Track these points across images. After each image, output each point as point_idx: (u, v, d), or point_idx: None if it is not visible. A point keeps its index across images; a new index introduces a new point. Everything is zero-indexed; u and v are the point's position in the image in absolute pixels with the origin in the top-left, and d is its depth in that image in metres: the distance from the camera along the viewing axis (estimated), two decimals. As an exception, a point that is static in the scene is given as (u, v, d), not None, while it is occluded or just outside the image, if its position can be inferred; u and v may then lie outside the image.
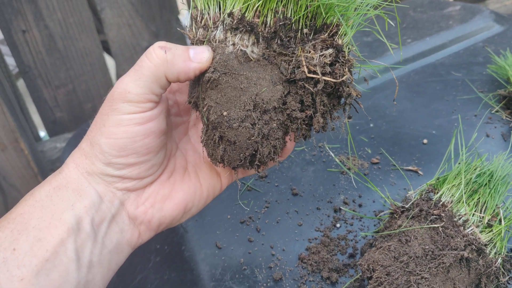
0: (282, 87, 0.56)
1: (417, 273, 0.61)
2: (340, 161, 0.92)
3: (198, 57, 0.53)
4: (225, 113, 0.53)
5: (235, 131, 0.54)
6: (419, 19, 1.39)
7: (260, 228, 0.80)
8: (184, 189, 0.60)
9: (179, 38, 1.81)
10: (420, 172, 0.88)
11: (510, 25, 1.33)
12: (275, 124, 0.56)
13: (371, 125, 1.02)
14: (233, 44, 0.54)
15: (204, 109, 0.55)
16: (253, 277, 0.72)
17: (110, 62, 1.84)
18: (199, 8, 0.55)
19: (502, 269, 0.69)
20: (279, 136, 0.58)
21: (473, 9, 1.39)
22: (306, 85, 0.55)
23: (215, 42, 0.54)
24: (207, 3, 0.54)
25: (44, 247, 0.47)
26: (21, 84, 1.71)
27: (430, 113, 1.05)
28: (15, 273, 0.46)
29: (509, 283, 0.68)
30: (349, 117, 0.60)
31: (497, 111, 1.03)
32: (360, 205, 0.83)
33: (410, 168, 0.89)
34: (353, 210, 0.82)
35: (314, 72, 0.54)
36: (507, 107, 1.03)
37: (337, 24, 0.55)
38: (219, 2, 0.54)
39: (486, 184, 0.71)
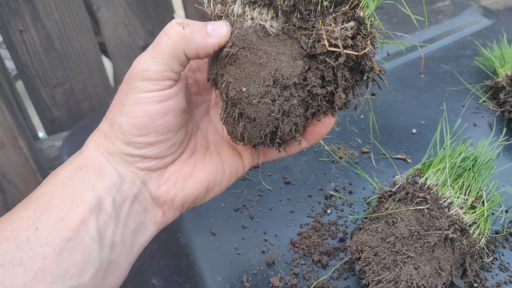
0: (302, 62, 0.54)
1: (403, 252, 0.64)
2: (331, 150, 0.95)
3: (217, 31, 0.52)
4: (244, 89, 0.52)
5: (255, 107, 0.52)
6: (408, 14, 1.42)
7: (253, 215, 0.82)
8: (206, 168, 0.60)
9: (174, 36, 1.83)
10: (408, 160, 0.91)
11: (498, 19, 1.36)
12: (295, 101, 0.55)
13: (362, 116, 1.05)
14: (252, 19, 0.53)
15: (223, 85, 0.54)
16: (246, 261, 0.75)
17: (107, 62, 1.86)
18: None
19: (487, 250, 0.71)
20: (300, 113, 0.56)
21: (462, 4, 1.42)
22: (327, 59, 0.53)
23: (233, 16, 0.53)
24: None
25: (66, 226, 0.48)
26: (20, 86, 1.74)
27: (419, 104, 1.07)
28: (37, 251, 0.46)
29: (493, 263, 0.71)
30: (373, 94, 0.59)
31: (484, 101, 1.06)
32: (350, 192, 0.85)
33: (399, 156, 0.92)
34: (344, 196, 0.84)
35: (335, 46, 0.52)
36: (494, 97, 1.06)
37: None
38: None
39: (470, 168, 0.74)
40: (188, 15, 1.80)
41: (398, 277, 0.62)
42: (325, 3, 0.52)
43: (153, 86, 0.52)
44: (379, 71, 0.56)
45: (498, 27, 1.33)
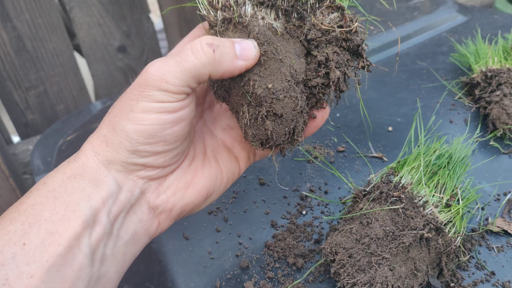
0: (304, 60, 0.57)
1: (378, 253, 0.63)
2: (307, 150, 0.94)
3: (245, 54, 0.51)
4: (270, 86, 0.52)
5: (282, 102, 0.53)
6: (385, 11, 1.41)
7: (227, 218, 0.81)
8: (205, 175, 0.59)
9: (150, 36, 1.81)
10: (384, 158, 0.90)
11: (473, 15, 1.36)
12: (305, 96, 0.57)
13: (338, 114, 1.04)
14: (263, 18, 0.55)
15: (250, 85, 0.53)
16: (220, 265, 0.73)
17: (83, 63, 1.83)
18: None
19: (463, 248, 0.70)
20: (307, 110, 0.58)
21: (437, 1, 1.42)
22: (321, 39, 0.56)
23: (247, 17, 0.54)
24: None
25: (56, 241, 0.44)
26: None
27: (395, 102, 1.06)
28: (24, 269, 0.43)
29: (469, 262, 0.70)
30: (367, 66, 0.61)
31: (460, 98, 1.05)
32: (326, 192, 0.84)
33: (375, 155, 0.91)
34: (319, 197, 0.83)
35: (329, 26, 0.56)
36: (469, 93, 1.05)
37: None
38: None
39: (445, 166, 0.73)
40: (164, 16, 1.78)
41: (373, 279, 0.61)
42: (311, 0, 0.57)
43: (167, 98, 0.49)
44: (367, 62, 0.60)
45: (473, 23, 1.33)
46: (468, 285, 0.66)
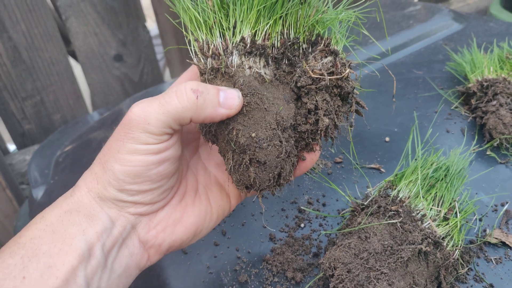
0: (294, 105, 0.58)
1: (377, 268, 0.63)
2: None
3: (228, 103, 0.53)
4: (253, 134, 0.54)
5: (265, 150, 0.54)
6: (381, 19, 1.42)
7: (225, 232, 0.81)
8: (195, 213, 0.60)
9: (147, 45, 1.81)
10: (382, 169, 0.90)
11: (468, 23, 1.37)
12: (292, 141, 0.58)
13: (335, 125, 1.04)
14: (250, 68, 0.56)
15: (233, 134, 0.55)
16: (218, 280, 0.73)
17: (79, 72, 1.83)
18: (201, 39, 0.57)
19: (461, 261, 0.70)
20: (295, 153, 0.59)
21: (433, 9, 1.43)
22: (311, 86, 0.57)
23: (233, 67, 0.55)
24: (210, 33, 0.56)
25: (54, 274, 0.46)
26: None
27: (392, 111, 1.07)
28: None
29: (468, 274, 0.70)
30: (351, 125, 0.63)
31: (456, 107, 1.06)
32: (324, 205, 0.84)
33: (372, 166, 0.91)
34: (317, 210, 0.83)
35: (320, 74, 0.57)
36: (466, 102, 1.06)
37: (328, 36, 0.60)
38: (222, 32, 0.56)
39: (442, 178, 0.73)
40: (159, 23, 1.78)
41: (372, 294, 0.61)
42: (304, 45, 0.58)
43: (151, 140, 0.51)
44: (359, 104, 0.61)
45: (469, 31, 1.34)
46: (467, 299, 0.66)
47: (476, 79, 1.03)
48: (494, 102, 0.94)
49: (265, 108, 0.54)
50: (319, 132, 0.58)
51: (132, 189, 0.53)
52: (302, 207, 0.83)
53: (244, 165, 0.55)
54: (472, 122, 1.00)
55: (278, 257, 0.74)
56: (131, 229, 0.55)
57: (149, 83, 1.88)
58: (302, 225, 0.80)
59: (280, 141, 0.55)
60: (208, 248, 0.78)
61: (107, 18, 1.68)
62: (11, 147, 1.82)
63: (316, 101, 0.57)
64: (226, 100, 0.53)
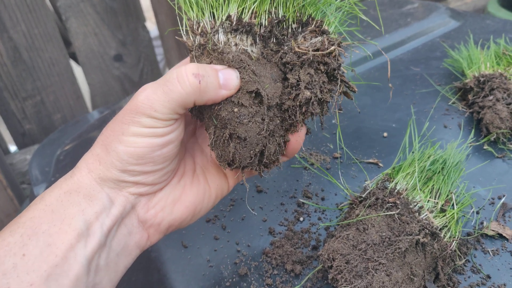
0: (281, 85, 0.58)
1: (375, 259, 0.63)
2: (303, 157, 0.94)
3: (228, 84, 0.54)
4: (235, 109, 0.54)
5: (245, 126, 0.54)
6: (379, 17, 1.43)
7: (225, 226, 0.81)
8: (193, 192, 0.61)
9: (146, 45, 1.82)
10: (380, 164, 0.91)
11: (465, 20, 1.38)
12: (278, 121, 0.58)
13: (333, 121, 1.05)
14: (236, 45, 0.56)
15: (215, 108, 0.55)
16: (218, 273, 0.73)
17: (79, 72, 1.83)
18: (193, 18, 0.57)
19: (459, 252, 0.71)
20: (282, 134, 0.59)
21: (430, 6, 1.44)
22: (295, 62, 0.57)
23: (221, 44, 0.56)
24: (202, 12, 0.57)
25: (53, 252, 0.47)
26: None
27: (390, 108, 1.08)
28: (24, 278, 0.46)
29: (465, 265, 0.71)
30: (350, 91, 0.62)
31: (453, 103, 1.06)
32: (322, 199, 0.85)
33: (370, 160, 0.92)
34: (316, 204, 0.84)
35: (304, 49, 0.57)
36: (463, 98, 1.07)
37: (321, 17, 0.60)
38: (212, 12, 0.56)
39: (439, 171, 0.74)
40: (159, 23, 1.79)
41: (370, 284, 0.61)
42: (293, 25, 0.58)
43: (156, 124, 0.52)
44: (348, 86, 0.61)
45: (466, 28, 1.35)
46: (464, 289, 0.67)
47: (473, 74, 1.04)
48: (490, 97, 0.95)
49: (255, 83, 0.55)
50: (300, 106, 0.58)
51: (135, 170, 0.54)
52: (301, 200, 0.84)
53: (225, 140, 0.56)
54: (469, 117, 1.01)
55: (277, 250, 0.75)
56: (131, 209, 0.56)
57: (148, 83, 1.89)
58: (301, 218, 0.81)
59: (263, 119, 0.55)
60: (208, 242, 0.79)
61: (107, 19, 1.69)
62: (12, 148, 1.83)
63: (299, 75, 0.57)
64: (226, 81, 0.54)
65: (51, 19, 1.57)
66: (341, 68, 0.59)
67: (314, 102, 0.58)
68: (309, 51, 0.57)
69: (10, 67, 1.55)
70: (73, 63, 1.82)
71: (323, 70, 0.58)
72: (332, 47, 0.57)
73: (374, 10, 1.48)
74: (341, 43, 0.59)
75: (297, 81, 0.57)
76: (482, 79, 1.00)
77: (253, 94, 0.55)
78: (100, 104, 1.83)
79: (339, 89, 0.60)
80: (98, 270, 0.51)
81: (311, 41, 0.58)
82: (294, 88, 0.58)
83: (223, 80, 0.54)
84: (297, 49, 0.57)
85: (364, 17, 0.62)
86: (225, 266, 0.74)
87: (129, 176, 0.54)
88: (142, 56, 1.83)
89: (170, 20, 1.77)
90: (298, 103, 0.57)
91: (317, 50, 0.57)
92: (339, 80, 0.59)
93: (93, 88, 1.79)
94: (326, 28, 0.59)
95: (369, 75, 1.20)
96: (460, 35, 1.32)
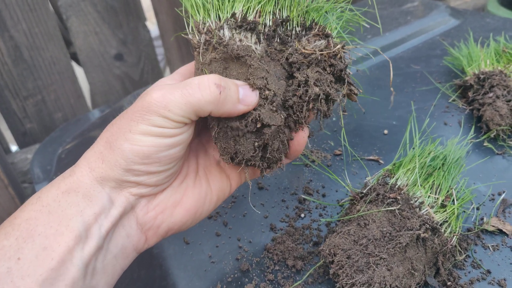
0: (284, 82, 0.58)
1: (376, 254, 0.64)
2: (304, 154, 0.95)
3: (247, 100, 0.54)
4: None
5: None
6: (379, 15, 1.43)
7: (227, 222, 0.82)
8: (195, 195, 0.60)
9: (147, 44, 1.82)
10: (381, 161, 0.91)
11: (465, 18, 1.39)
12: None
13: (334, 118, 1.05)
14: (240, 41, 0.56)
15: None
16: (221, 269, 0.74)
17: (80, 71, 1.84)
18: (199, 19, 0.58)
19: (459, 248, 0.72)
20: (285, 132, 0.59)
21: (430, 5, 1.44)
22: (302, 61, 0.58)
23: (225, 38, 0.56)
24: (207, 14, 0.58)
25: (49, 255, 0.46)
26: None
27: (390, 105, 1.08)
28: (19, 283, 0.44)
29: (465, 261, 0.71)
30: (353, 94, 0.62)
31: (453, 100, 1.07)
32: (323, 195, 0.85)
33: (371, 157, 0.92)
34: (317, 200, 0.84)
35: (311, 50, 0.58)
36: (463, 95, 1.07)
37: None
38: (218, 14, 0.57)
39: (440, 167, 0.74)
40: (160, 23, 1.79)
41: (372, 279, 0.62)
42: (297, 28, 0.60)
43: (168, 124, 0.51)
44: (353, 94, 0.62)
45: (466, 26, 1.35)
46: (465, 284, 0.67)
47: (473, 72, 1.04)
48: (490, 94, 0.96)
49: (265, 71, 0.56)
50: (308, 102, 0.58)
51: (139, 170, 0.52)
52: (303, 196, 0.84)
53: (227, 132, 0.56)
54: (469, 115, 1.02)
55: (279, 246, 0.75)
56: (130, 210, 0.54)
57: (149, 82, 1.89)
58: (302, 215, 0.82)
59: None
60: (210, 239, 0.79)
61: (107, 18, 1.69)
62: (13, 148, 1.83)
63: (307, 73, 0.58)
64: (245, 97, 0.54)
65: (52, 18, 1.57)
66: (347, 69, 0.60)
67: (322, 99, 0.59)
68: (315, 51, 0.58)
69: (11, 66, 1.55)
70: (73, 63, 1.83)
71: (329, 71, 0.59)
72: (338, 47, 0.58)
73: (375, 9, 1.49)
74: (345, 46, 0.60)
75: (306, 78, 0.58)
76: (482, 77, 1.00)
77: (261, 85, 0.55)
78: (100, 103, 1.83)
79: (344, 90, 0.61)
80: (95, 273, 0.49)
81: (315, 43, 0.59)
82: (302, 85, 0.58)
83: (243, 95, 0.54)
84: (303, 50, 0.58)
85: (365, 24, 0.63)
86: (227, 262, 0.75)
87: (133, 176, 0.52)
88: (142, 55, 1.83)
89: (170, 20, 1.77)
90: (307, 99, 0.58)
91: (323, 51, 0.58)
92: (346, 81, 0.60)
93: (94, 87, 1.79)
94: (329, 32, 0.60)
95: (370, 73, 1.20)
96: (460, 33, 1.32)
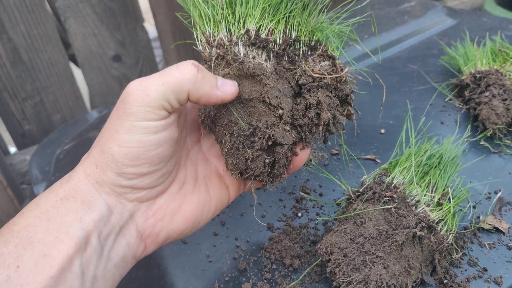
0: (291, 100, 0.60)
1: (372, 252, 0.64)
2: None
3: (225, 88, 0.54)
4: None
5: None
6: (376, 15, 1.44)
7: (224, 222, 0.82)
8: (194, 202, 0.60)
9: (145, 45, 1.82)
10: (377, 160, 0.92)
11: (462, 18, 1.39)
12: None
13: (331, 118, 1.05)
14: (253, 58, 0.58)
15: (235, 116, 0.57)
16: (218, 268, 0.74)
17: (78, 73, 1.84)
18: (208, 32, 0.60)
19: (455, 246, 0.72)
20: (292, 149, 0.61)
21: (427, 5, 1.44)
22: (312, 84, 0.60)
23: (241, 55, 0.58)
24: (217, 28, 0.59)
25: (49, 263, 0.45)
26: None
27: (387, 105, 1.08)
28: None
29: (462, 259, 0.71)
30: (351, 115, 0.65)
31: (450, 100, 1.07)
32: (320, 194, 0.86)
33: (368, 157, 0.93)
34: (314, 199, 0.84)
35: (320, 74, 0.60)
36: (459, 95, 1.07)
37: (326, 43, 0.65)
38: (228, 27, 0.59)
39: (436, 166, 0.75)
40: (158, 24, 1.80)
41: (368, 277, 0.62)
42: (304, 48, 0.62)
43: (150, 114, 0.51)
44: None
45: (462, 26, 1.36)
46: (461, 282, 0.67)
47: (469, 71, 1.04)
48: (487, 93, 0.96)
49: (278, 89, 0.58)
50: (321, 124, 0.60)
51: (131, 172, 0.52)
52: (301, 193, 0.85)
53: (239, 149, 0.57)
54: (465, 114, 1.02)
55: (276, 245, 0.76)
56: (129, 217, 0.54)
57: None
58: (300, 214, 0.82)
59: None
60: (207, 238, 0.79)
61: (105, 19, 1.70)
62: (12, 149, 1.83)
63: (318, 97, 0.60)
64: (223, 85, 0.54)
65: (50, 20, 1.57)
66: (351, 95, 0.63)
67: (332, 123, 0.61)
68: (325, 75, 0.60)
69: (10, 68, 1.56)
70: (72, 64, 1.83)
71: (335, 95, 0.62)
72: (345, 70, 0.62)
73: (372, 8, 1.49)
74: (348, 69, 0.64)
75: (317, 102, 0.60)
76: (478, 76, 1.01)
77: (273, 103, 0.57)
78: (99, 105, 1.83)
79: (345, 112, 0.64)
80: (94, 282, 0.49)
81: (320, 64, 0.61)
82: (312, 108, 0.60)
83: (221, 83, 0.54)
84: (313, 74, 0.60)
85: (362, 45, 0.64)
86: (224, 262, 0.75)
87: (125, 180, 0.52)
88: (141, 56, 1.84)
89: (168, 21, 1.78)
90: (318, 122, 0.60)
91: (331, 74, 0.61)
92: (351, 106, 0.64)
93: (92, 88, 1.80)
94: (332, 53, 0.62)
95: (367, 72, 1.20)
96: (457, 32, 1.33)
